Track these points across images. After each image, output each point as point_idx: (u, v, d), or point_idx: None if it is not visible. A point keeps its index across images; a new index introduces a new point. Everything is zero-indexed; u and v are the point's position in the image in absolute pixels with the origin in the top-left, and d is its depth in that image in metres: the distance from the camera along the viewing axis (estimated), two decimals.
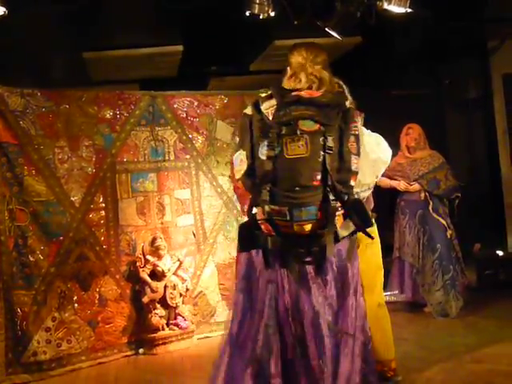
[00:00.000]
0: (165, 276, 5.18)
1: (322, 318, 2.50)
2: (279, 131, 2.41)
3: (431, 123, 7.09)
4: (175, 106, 5.49)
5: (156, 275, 5.18)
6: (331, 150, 2.37)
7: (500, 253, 6.57)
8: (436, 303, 5.42)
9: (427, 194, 5.52)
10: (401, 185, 5.58)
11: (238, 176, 2.63)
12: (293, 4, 5.03)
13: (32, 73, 5.64)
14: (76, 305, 4.89)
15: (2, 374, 4.46)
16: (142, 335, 5.13)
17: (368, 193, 2.61)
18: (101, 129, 5.14)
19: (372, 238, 2.81)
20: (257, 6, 4.92)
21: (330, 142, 2.38)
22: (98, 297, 5.01)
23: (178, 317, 5.23)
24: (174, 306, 5.20)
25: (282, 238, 2.46)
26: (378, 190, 3.88)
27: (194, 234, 5.54)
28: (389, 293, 5.47)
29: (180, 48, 5.91)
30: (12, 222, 4.64)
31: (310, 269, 2.54)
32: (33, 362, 4.61)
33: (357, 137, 2.43)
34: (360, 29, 5.71)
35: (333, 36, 5.24)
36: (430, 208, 5.51)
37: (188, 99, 5.55)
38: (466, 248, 6.28)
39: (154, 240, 5.21)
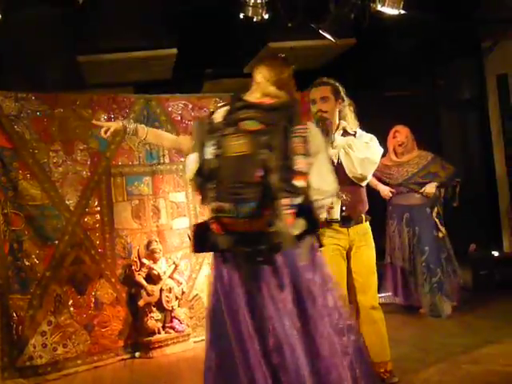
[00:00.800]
0: (160, 279, 5.18)
1: (285, 326, 2.50)
2: (224, 132, 2.51)
3: (425, 124, 7.12)
4: (170, 109, 5.49)
5: (152, 278, 5.17)
6: (272, 149, 2.41)
7: (495, 253, 6.58)
8: (427, 305, 5.43)
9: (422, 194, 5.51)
10: (384, 192, 5.57)
11: (190, 176, 2.71)
12: (287, 6, 5.04)
13: (26, 76, 5.63)
14: (72, 308, 4.89)
15: None
16: (138, 338, 5.12)
17: (328, 201, 2.62)
18: (95, 132, 5.11)
19: (321, 245, 2.75)
20: (251, 8, 4.93)
21: (271, 141, 2.43)
22: (93, 300, 5.01)
23: (174, 320, 5.22)
24: (170, 309, 5.19)
25: (232, 236, 2.50)
26: (372, 194, 3.91)
27: (190, 237, 5.52)
28: (383, 294, 5.48)
29: (174, 51, 5.91)
30: (7, 226, 4.64)
31: (264, 271, 2.55)
32: (28, 366, 4.60)
33: (304, 138, 2.45)
34: (354, 30, 5.73)
35: (327, 38, 5.25)
36: (428, 208, 5.52)
37: (182, 102, 5.55)
38: (461, 248, 6.29)
39: (149, 243, 5.21)
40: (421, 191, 5.48)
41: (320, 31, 5.19)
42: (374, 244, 3.86)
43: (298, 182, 2.42)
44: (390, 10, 4.81)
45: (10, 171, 4.67)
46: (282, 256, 2.54)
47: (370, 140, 3.76)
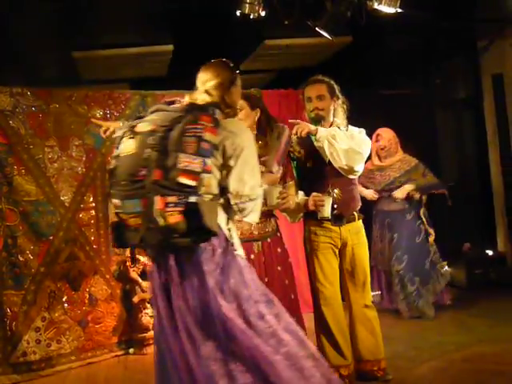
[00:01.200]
0: None
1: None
2: (125, 134, 2.58)
3: (421, 123, 7.13)
4: None
5: (146, 275, 5.16)
6: (155, 148, 2.45)
7: (490, 252, 6.61)
8: (405, 310, 5.40)
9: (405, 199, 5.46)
10: (369, 195, 5.51)
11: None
12: (283, 4, 5.04)
13: (21, 72, 5.61)
14: (66, 305, 4.89)
15: None
16: (132, 335, 5.12)
17: (249, 204, 2.61)
18: (91, 128, 5.11)
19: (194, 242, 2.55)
20: (247, 5, 4.92)
21: (156, 141, 2.47)
22: (88, 296, 5.01)
23: None
24: None
25: (135, 232, 2.53)
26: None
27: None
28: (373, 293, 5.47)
29: (170, 47, 5.89)
30: (2, 221, 4.64)
31: (170, 267, 2.58)
32: (22, 362, 4.60)
33: (198, 138, 2.44)
34: (350, 28, 5.72)
35: (323, 36, 5.25)
36: (408, 214, 5.49)
37: (178, 98, 5.53)
38: (455, 247, 6.31)
39: None
40: (393, 195, 5.44)
41: (316, 29, 5.19)
42: (367, 242, 3.86)
43: (185, 181, 2.41)
44: (387, 9, 4.80)
45: (5, 166, 4.67)
46: (184, 255, 2.55)
47: (358, 132, 3.75)
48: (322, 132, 3.59)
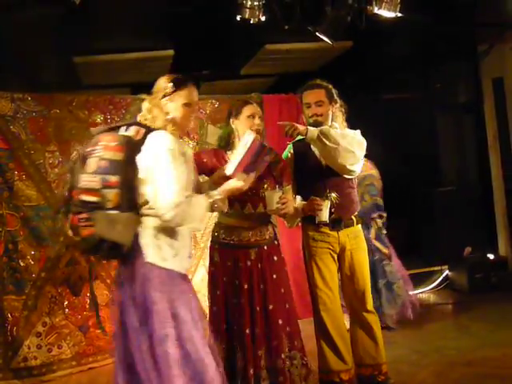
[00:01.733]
0: None
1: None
2: None
3: (422, 127, 7.13)
4: None
5: None
6: (70, 171, 2.77)
7: (491, 256, 6.60)
8: None
9: None
10: None
11: None
12: (283, 8, 5.04)
13: (22, 77, 5.61)
14: (67, 310, 4.87)
15: None
16: None
17: (169, 215, 2.65)
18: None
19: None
20: (247, 10, 4.92)
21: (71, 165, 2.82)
22: (88, 301, 4.99)
23: None
24: None
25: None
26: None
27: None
28: None
29: (171, 52, 5.90)
30: (2, 226, 4.63)
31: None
32: (23, 367, 4.59)
33: (98, 157, 2.63)
34: (350, 33, 5.73)
35: (323, 40, 5.26)
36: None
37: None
38: (457, 252, 6.31)
39: None
40: None
41: (317, 33, 5.19)
42: (366, 247, 3.85)
43: (86, 198, 2.56)
44: (387, 13, 4.81)
45: (6, 172, 4.66)
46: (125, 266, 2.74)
47: (353, 133, 3.73)
48: (312, 132, 3.55)
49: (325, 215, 3.56)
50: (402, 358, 4.35)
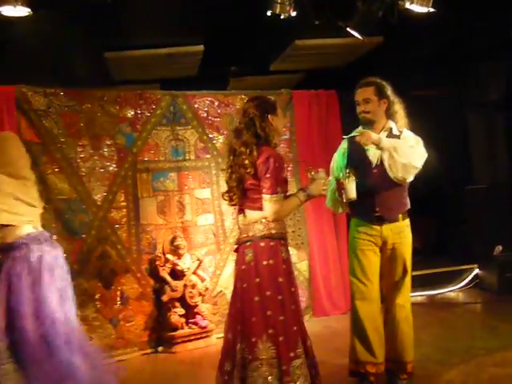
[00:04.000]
0: (184, 275, 5.21)
1: None
2: None
3: (452, 125, 7.05)
4: (196, 105, 5.53)
5: (176, 274, 5.21)
6: None
7: None
8: None
9: None
10: None
11: None
12: (314, 4, 5.03)
13: (54, 73, 5.69)
14: (98, 302, 4.94)
15: None
16: (161, 333, 5.17)
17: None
18: (122, 128, 5.19)
19: None
20: (278, 5, 4.91)
21: None
22: (119, 295, 5.06)
23: (197, 316, 5.25)
24: (193, 304, 5.22)
25: None
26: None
27: (214, 234, 5.56)
28: None
29: (201, 48, 5.92)
30: None
31: None
32: None
33: None
34: (381, 28, 5.68)
35: (354, 36, 5.23)
36: None
37: (209, 99, 5.59)
38: (487, 250, 6.23)
39: (173, 239, 5.24)
40: None
41: (347, 29, 5.17)
42: (410, 243, 3.81)
43: None
44: (419, 8, 4.76)
45: (39, 165, 4.73)
46: None
47: (417, 143, 3.72)
48: (385, 143, 3.61)
49: (350, 193, 3.57)
50: (429, 356, 4.31)
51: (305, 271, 5.98)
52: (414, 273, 4.00)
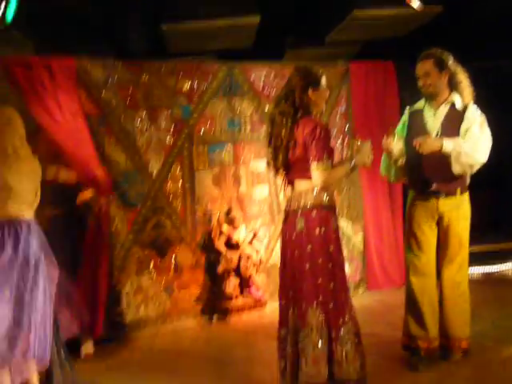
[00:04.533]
0: (239, 246, 5.26)
1: None
2: None
3: None
4: (252, 77, 5.52)
5: (231, 245, 5.26)
6: None
7: None
8: None
9: None
10: None
11: None
12: None
13: (112, 45, 5.75)
14: (153, 271, 5.04)
15: None
16: (215, 303, 5.24)
17: None
18: (179, 100, 5.22)
19: None
20: None
21: None
22: (173, 264, 5.15)
23: (252, 286, 5.30)
24: (248, 275, 5.27)
25: None
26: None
27: (269, 206, 5.58)
28: None
29: (257, 18, 5.87)
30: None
31: None
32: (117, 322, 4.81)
33: None
34: None
35: (413, 5, 5.09)
36: None
37: (265, 70, 5.56)
38: None
39: (229, 211, 5.29)
40: None
41: None
42: (468, 218, 3.74)
43: None
44: None
45: (97, 137, 4.81)
46: None
47: (481, 128, 3.62)
48: (448, 148, 3.54)
49: (397, 152, 3.65)
50: (485, 333, 4.23)
51: (359, 244, 5.95)
52: (472, 249, 3.94)
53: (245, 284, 5.30)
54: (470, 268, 5.47)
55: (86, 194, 4.25)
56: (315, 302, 3.15)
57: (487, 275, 6.24)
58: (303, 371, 3.12)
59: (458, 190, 3.68)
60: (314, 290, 3.16)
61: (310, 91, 3.25)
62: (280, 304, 3.34)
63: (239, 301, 5.24)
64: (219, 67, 5.43)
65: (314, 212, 3.21)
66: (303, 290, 3.17)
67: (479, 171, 3.70)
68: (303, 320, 3.15)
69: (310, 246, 3.19)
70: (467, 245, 3.74)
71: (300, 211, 3.23)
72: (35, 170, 3.49)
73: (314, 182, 3.18)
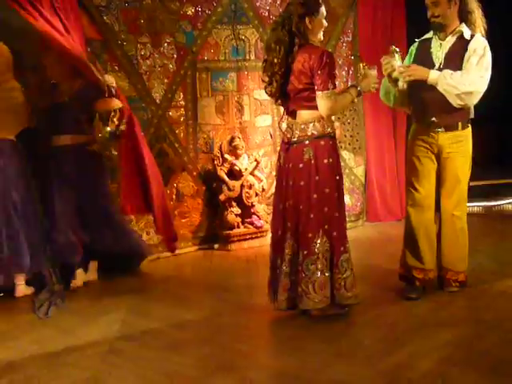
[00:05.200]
0: (242, 175, 5.27)
1: None
2: None
3: None
4: (257, 4, 5.40)
5: (233, 174, 5.27)
6: None
7: None
8: None
9: None
10: None
11: None
12: None
13: None
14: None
15: None
16: (217, 231, 5.31)
17: None
18: (183, 25, 5.12)
19: None
20: None
21: None
22: (175, 192, 5.18)
23: (253, 215, 5.35)
24: (250, 204, 5.31)
25: None
26: None
27: (271, 135, 5.57)
28: None
29: None
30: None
31: None
32: None
33: None
34: None
35: None
36: None
37: None
38: None
39: (232, 139, 5.28)
40: None
41: None
42: (469, 152, 3.72)
43: None
44: None
45: (100, 63, 4.73)
46: None
47: (480, 57, 3.53)
48: (434, 80, 3.47)
49: (397, 69, 3.54)
50: (483, 266, 4.29)
51: (361, 176, 5.97)
52: (473, 183, 3.94)
53: (246, 213, 5.34)
54: (472, 203, 5.54)
55: (116, 102, 4.27)
56: (321, 230, 3.24)
57: (488, 209, 6.29)
58: (310, 296, 3.23)
59: (460, 125, 3.64)
60: (320, 218, 3.25)
61: (307, 19, 3.20)
62: (275, 234, 3.44)
63: (241, 229, 5.29)
64: None
65: (323, 142, 3.25)
66: (310, 219, 3.24)
67: (484, 106, 3.64)
68: (309, 248, 3.23)
69: (317, 177, 3.24)
70: (466, 181, 3.72)
71: (308, 141, 3.25)
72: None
73: (321, 111, 3.19)
